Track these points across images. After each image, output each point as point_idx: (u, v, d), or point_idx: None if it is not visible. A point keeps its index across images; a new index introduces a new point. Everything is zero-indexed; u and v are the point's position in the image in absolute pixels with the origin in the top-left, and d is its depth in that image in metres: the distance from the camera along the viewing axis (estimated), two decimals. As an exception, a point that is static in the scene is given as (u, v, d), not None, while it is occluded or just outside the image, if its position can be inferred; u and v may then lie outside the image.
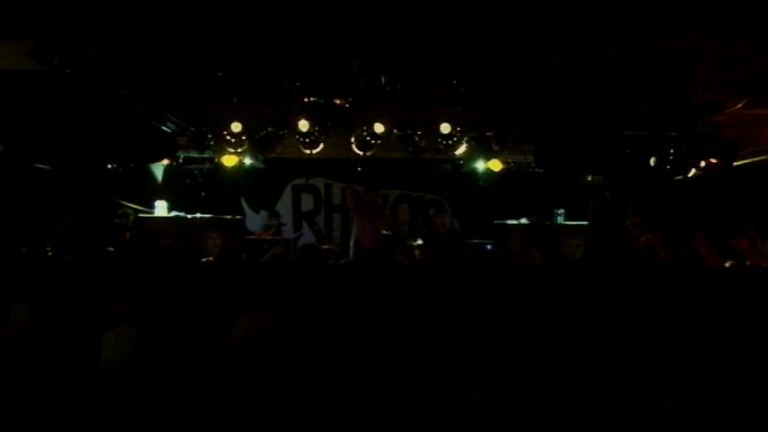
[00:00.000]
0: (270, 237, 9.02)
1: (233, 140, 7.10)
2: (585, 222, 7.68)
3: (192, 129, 7.07)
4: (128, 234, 7.62)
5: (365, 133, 6.93)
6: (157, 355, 2.20)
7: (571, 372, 1.92)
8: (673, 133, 6.47)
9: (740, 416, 1.67)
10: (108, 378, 2.08)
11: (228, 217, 8.83)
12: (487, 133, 7.22)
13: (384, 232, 8.29)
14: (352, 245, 7.86)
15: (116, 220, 7.77)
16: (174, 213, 8.36)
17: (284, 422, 1.79)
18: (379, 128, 6.86)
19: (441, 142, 7.12)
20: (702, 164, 6.48)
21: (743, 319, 2.15)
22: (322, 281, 3.40)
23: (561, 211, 8.83)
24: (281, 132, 6.93)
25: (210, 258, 5.96)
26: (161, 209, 8.32)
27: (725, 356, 1.88)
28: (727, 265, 4.72)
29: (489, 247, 8.66)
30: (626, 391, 1.75)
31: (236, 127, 6.98)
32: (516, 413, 1.64)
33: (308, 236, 10.45)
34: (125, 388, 1.83)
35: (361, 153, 7.22)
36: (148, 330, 2.37)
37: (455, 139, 7.08)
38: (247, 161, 8.55)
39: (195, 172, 9.19)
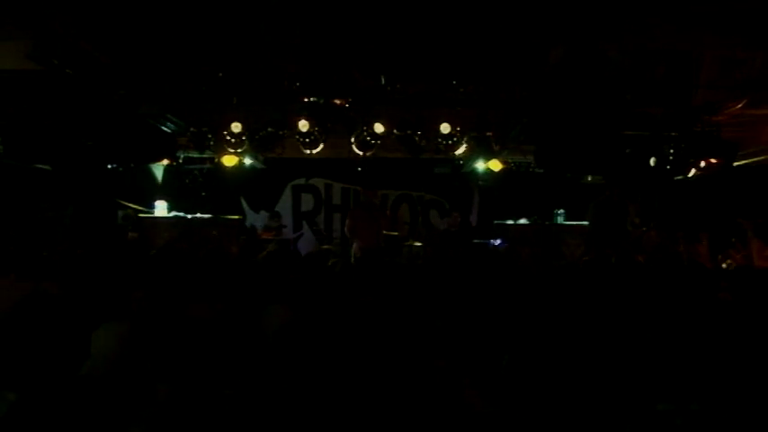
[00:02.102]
0: (271, 237, 9.02)
1: (233, 140, 7.10)
2: (586, 222, 7.74)
3: (191, 129, 7.07)
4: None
5: (365, 133, 6.92)
6: (146, 352, 2.20)
7: (565, 371, 1.92)
8: (673, 133, 6.46)
9: (731, 416, 1.67)
10: (94, 375, 2.08)
11: (231, 217, 8.85)
12: (487, 133, 7.22)
13: (385, 232, 8.29)
14: (353, 246, 7.85)
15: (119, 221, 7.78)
16: (173, 213, 8.36)
17: (282, 418, 1.79)
18: (379, 128, 6.86)
19: (441, 142, 7.12)
20: (702, 164, 6.48)
21: (739, 319, 2.15)
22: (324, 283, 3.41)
23: (561, 211, 8.84)
24: (281, 132, 6.93)
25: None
26: (161, 209, 8.32)
27: (718, 357, 1.88)
28: (724, 266, 4.72)
29: (498, 242, 8.66)
30: (619, 391, 1.75)
31: (236, 127, 6.98)
32: (512, 412, 1.64)
33: (308, 236, 10.45)
34: (111, 385, 1.83)
35: (361, 153, 7.22)
36: (138, 327, 2.37)
37: (455, 139, 7.08)
38: (247, 161, 8.55)
39: (195, 172, 9.19)
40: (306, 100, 6.25)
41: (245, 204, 10.32)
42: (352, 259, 7.47)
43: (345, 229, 8.09)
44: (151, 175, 9.18)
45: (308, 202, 10.61)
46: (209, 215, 8.46)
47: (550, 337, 2.16)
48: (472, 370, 2.05)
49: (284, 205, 10.44)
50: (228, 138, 7.07)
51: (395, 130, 6.98)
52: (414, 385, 1.86)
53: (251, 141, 7.09)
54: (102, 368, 2.15)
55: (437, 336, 2.44)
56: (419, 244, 8.91)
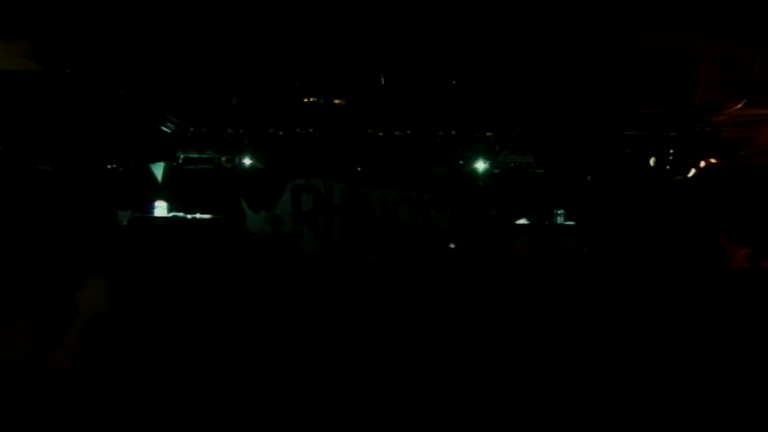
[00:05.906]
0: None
1: (233, 140, 7.10)
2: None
3: (191, 129, 7.07)
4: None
5: (365, 133, 6.93)
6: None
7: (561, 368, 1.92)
8: (673, 133, 6.47)
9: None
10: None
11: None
12: (487, 133, 7.22)
13: None
14: None
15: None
16: (173, 214, 8.36)
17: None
18: (378, 128, 6.87)
19: (441, 142, 7.13)
20: (702, 164, 6.49)
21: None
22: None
23: (561, 211, 8.84)
24: (280, 132, 6.94)
25: None
26: (161, 209, 8.31)
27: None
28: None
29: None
30: None
31: (236, 127, 6.99)
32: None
33: (308, 237, 10.44)
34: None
35: (360, 153, 7.23)
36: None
37: (455, 139, 7.09)
38: (247, 161, 8.55)
39: (195, 172, 9.19)
40: (306, 100, 6.25)
41: (244, 204, 10.31)
42: None
43: None
44: (151, 176, 9.18)
45: (307, 202, 10.59)
46: (209, 215, 8.46)
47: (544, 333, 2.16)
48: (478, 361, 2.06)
49: (284, 206, 10.42)
50: (228, 138, 7.08)
51: (395, 131, 6.99)
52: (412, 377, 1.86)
53: (251, 141, 7.09)
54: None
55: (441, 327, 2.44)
56: None
